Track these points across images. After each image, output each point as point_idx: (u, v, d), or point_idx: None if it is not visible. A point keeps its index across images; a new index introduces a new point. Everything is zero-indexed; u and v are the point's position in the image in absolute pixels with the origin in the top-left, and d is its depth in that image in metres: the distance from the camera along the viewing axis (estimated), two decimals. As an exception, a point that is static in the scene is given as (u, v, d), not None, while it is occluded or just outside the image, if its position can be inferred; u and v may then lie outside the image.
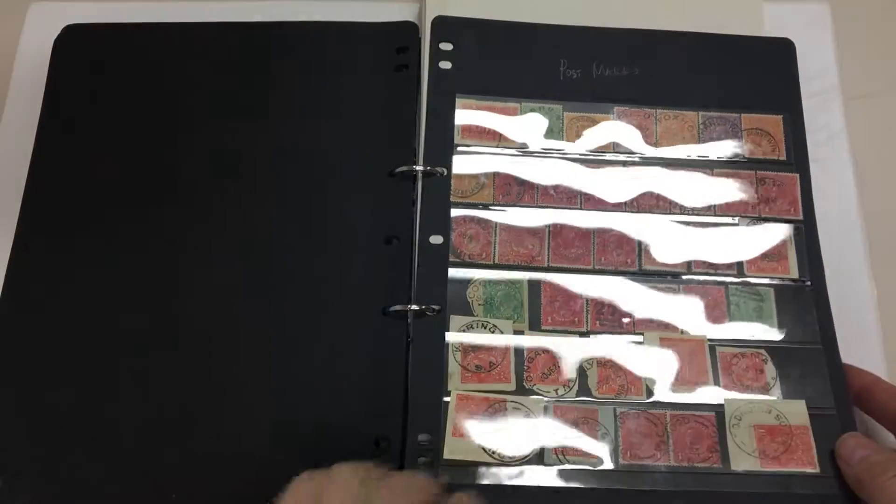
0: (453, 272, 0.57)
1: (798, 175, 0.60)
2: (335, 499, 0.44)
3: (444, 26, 0.63)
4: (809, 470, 0.52)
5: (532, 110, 0.61)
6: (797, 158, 0.60)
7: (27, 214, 0.60)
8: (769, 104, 0.62)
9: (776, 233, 0.58)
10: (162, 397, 0.55)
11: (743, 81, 0.63)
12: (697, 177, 0.60)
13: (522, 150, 0.60)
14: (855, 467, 0.50)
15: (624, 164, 0.60)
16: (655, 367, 0.55)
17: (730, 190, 0.59)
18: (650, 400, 0.54)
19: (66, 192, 0.60)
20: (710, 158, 0.60)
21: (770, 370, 0.55)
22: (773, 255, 0.58)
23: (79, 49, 0.64)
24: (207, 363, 0.56)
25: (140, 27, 0.65)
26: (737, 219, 0.59)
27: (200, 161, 0.61)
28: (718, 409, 0.54)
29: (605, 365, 0.55)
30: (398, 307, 0.56)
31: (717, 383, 0.54)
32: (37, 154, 0.61)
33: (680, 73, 0.63)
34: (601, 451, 0.53)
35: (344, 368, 0.55)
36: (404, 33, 0.63)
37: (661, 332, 0.56)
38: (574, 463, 0.52)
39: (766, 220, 0.59)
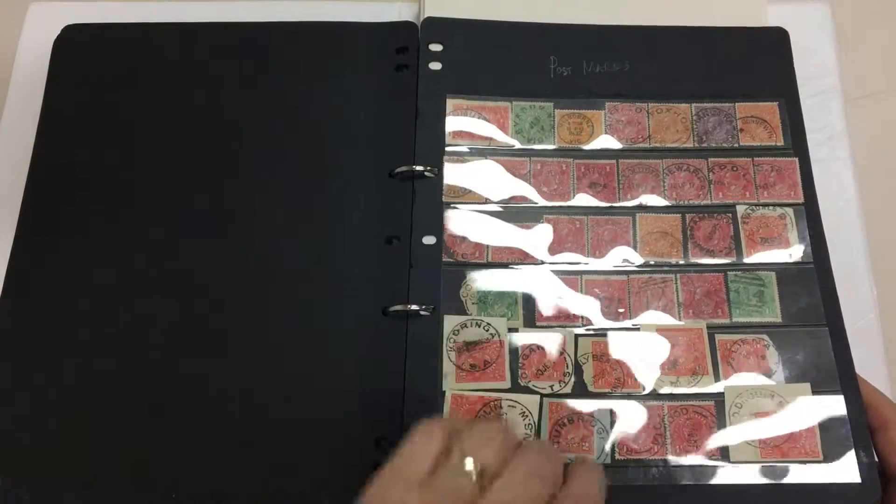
0: (447, 272, 0.57)
1: (797, 159, 0.59)
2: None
3: (434, 27, 0.63)
4: (812, 458, 0.52)
5: (523, 109, 0.61)
6: (795, 144, 0.60)
7: (27, 214, 0.60)
8: (764, 92, 0.61)
9: (776, 217, 0.58)
10: (161, 396, 0.55)
11: (737, 72, 0.62)
12: (692, 168, 0.59)
13: (514, 148, 0.60)
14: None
15: (616, 158, 0.60)
16: (652, 358, 0.54)
17: (726, 178, 0.59)
18: (647, 392, 0.54)
19: (66, 192, 0.60)
20: (705, 147, 0.60)
21: (772, 355, 0.54)
22: (773, 239, 0.57)
23: (79, 49, 0.64)
24: (206, 362, 0.56)
25: (140, 27, 0.65)
26: (734, 206, 0.58)
27: (200, 161, 0.61)
28: (718, 399, 0.53)
29: (601, 359, 0.54)
30: (398, 307, 0.56)
31: (716, 372, 0.54)
32: (37, 154, 0.61)
33: (672, 67, 0.63)
34: (597, 447, 0.53)
35: (344, 368, 0.55)
36: (404, 34, 0.63)
37: (658, 322, 0.55)
38: (569, 459, 0.52)
39: (765, 205, 0.58)
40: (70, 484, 0.54)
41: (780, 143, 0.60)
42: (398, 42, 0.63)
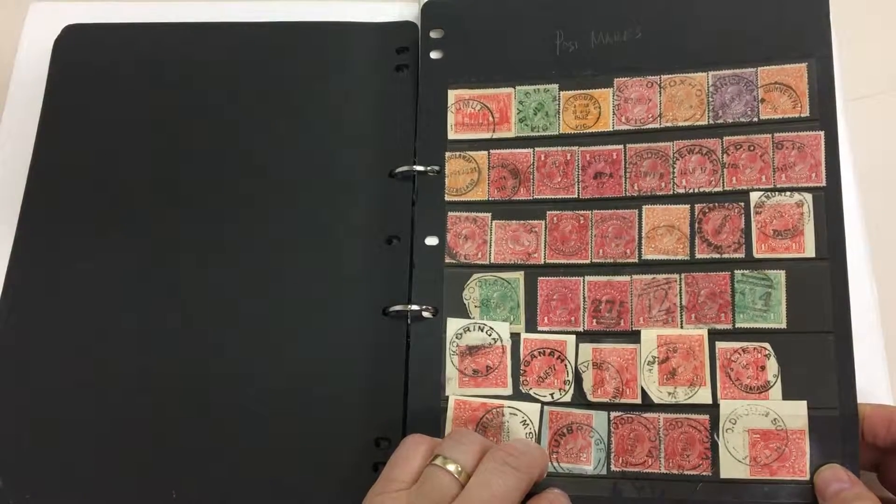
0: (449, 274, 0.57)
1: (822, 133, 0.55)
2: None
3: (434, 12, 0.62)
4: (800, 478, 0.51)
5: (527, 94, 0.60)
6: (823, 112, 0.56)
7: (27, 214, 0.60)
8: (792, 51, 0.57)
9: (792, 205, 0.55)
10: (161, 396, 0.56)
11: (762, 28, 0.58)
12: (704, 150, 0.57)
13: (517, 137, 0.59)
14: (829, 502, 0.49)
15: (624, 143, 0.58)
16: (651, 367, 0.54)
17: (741, 159, 0.56)
18: (645, 403, 0.53)
19: (66, 191, 0.60)
20: (720, 125, 0.57)
21: (772, 366, 0.53)
22: (786, 232, 0.54)
23: (79, 49, 0.64)
24: (207, 362, 0.56)
25: (140, 27, 0.64)
26: (748, 193, 0.56)
27: (200, 161, 0.61)
28: (713, 413, 0.53)
29: (601, 367, 0.54)
30: (398, 307, 0.56)
31: (713, 383, 0.53)
32: (37, 154, 0.61)
33: (688, 29, 0.59)
34: (594, 457, 0.53)
35: (344, 368, 0.56)
36: (404, 33, 0.63)
37: (659, 329, 0.54)
38: (567, 469, 0.53)
39: (781, 190, 0.55)
40: (70, 484, 0.54)
41: (806, 113, 0.56)
42: (398, 42, 0.63)
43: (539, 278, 0.56)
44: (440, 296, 0.56)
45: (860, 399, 0.52)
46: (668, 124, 0.58)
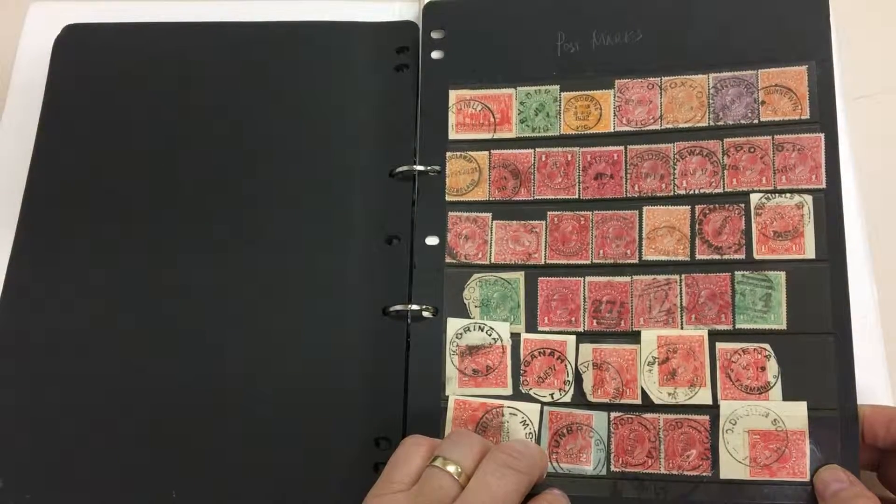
0: (449, 274, 0.57)
1: (823, 135, 0.56)
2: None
3: (436, 12, 0.62)
4: (800, 479, 0.51)
5: (528, 95, 0.60)
6: (823, 114, 0.56)
7: (27, 214, 0.60)
8: (793, 53, 0.57)
9: (792, 207, 0.55)
10: (161, 397, 0.55)
11: (762, 30, 0.58)
12: (705, 151, 0.57)
13: (518, 138, 0.59)
14: (828, 502, 0.49)
15: (625, 144, 0.58)
16: (651, 367, 0.54)
17: (741, 161, 0.56)
18: (645, 403, 0.53)
19: (66, 192, 0.60)
20: (720, 126, 0.57)
21: (772, 367, 0.53)
22: (786, 234, 0.55)
23: (79, 49, 0.64)
24: (206, 362, 0.56)
25: (140, 27, 0.64)
26: (748, 195, 0.56)
27: (200, 161, 0.61)
28: (713, 413, 0.53)
29: (601, 367, 0.54)
30: (398, 307, 0.56)
31: (714, 383, 0.53)
32: (37, 154, 0.61)
33: (687, 30, 0.59)
34: (594, 458, 0.53)
35: (344, 368, 0.56)
36: (404, 33, 0.63)
37: (659, 330, 0.54)
38: (567, 469, 0.53)
39: (781, 192, 0.55)
40: (70, 484, 0.54)
41: (806, 115, 0.56)
42: (398, 42, 0.63)
43: (539, 278, 0.56)
44: (440, 296, 0.56)
45: (860, 399, 0.52)
46: (669, 126, 0.58)
